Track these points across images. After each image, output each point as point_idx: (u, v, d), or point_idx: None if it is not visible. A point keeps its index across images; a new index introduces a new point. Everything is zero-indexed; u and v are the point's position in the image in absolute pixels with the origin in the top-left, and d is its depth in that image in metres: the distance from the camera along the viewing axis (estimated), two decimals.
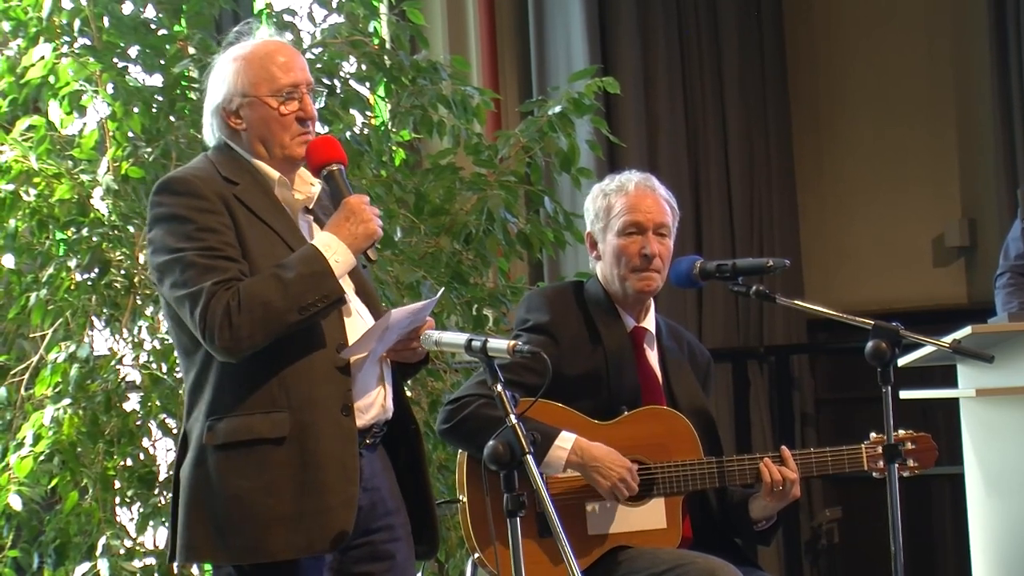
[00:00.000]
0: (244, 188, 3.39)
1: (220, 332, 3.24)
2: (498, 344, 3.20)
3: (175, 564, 3.45)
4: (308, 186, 3.48)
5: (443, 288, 3.48)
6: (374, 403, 3.42)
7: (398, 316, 3.34)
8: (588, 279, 4.13)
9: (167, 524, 4.59)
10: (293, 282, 3.27)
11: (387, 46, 5.24)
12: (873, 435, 3.92)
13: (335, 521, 3.30)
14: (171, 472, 4.63)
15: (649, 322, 4.07)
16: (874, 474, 3.93)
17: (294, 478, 3.29)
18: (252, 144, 3.43)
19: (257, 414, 3.30)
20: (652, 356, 4.06)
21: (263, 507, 3.28)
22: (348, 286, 3.43)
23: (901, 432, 4.01)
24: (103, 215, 4.69)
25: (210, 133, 3.49)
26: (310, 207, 3.49)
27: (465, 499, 3.84)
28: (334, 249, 3.33)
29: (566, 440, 3.82)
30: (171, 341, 3.53)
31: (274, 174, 3.43)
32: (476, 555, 3.84)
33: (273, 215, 3.40)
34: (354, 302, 3.44)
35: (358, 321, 3.42)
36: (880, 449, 3.87)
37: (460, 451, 3.94)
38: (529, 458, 3.10)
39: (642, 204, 4.00)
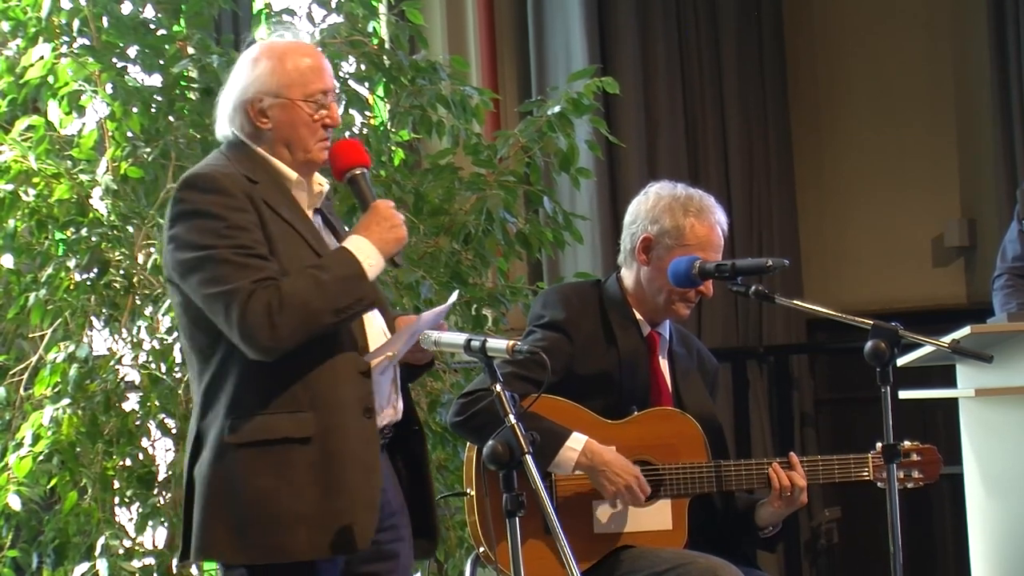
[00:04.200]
0: (264, 187, 3.36)
1: (261, 331, 3.21)
2: (497, 344, 3.20)
3: (189, 562, 3.42)
4: (318, 186, 3.48)
5: (457, 291, 3.52)
6: (388, 405, 3.43)
7: (427, 318, 3.36)
8: (607, 278, 4.13)
9: (166, 524, 4.61)
10: (330, 284, 3.26)
11: (386, 46, 5.24)
12: (880, 445, 3.84)
13: (357, 522, 3.30)
14: (170, 472, 4.65)
15: (663, 328, 4.08)
16: (879, 484, 3.90)
17: (317, 478, 3.28)
18: (275, 144, 3.41)
19: (281, 414, 3.28)
20: (663, 362, 4.07)
21: (285, 507, 3.26)
22: None
23: (907, 443, 4.00)
24: (102, 215, 4.68)
25: (227, 127, 3.45)
26: (318, 207, 3.49)
27: (472, 492, 3.84)
28: (366, 253, 3.33)
29: (577, 441, 3.82)
30: (181, 340, 3.46)
31: (292, 175, 3.41)
32: (481, 549, 3.85)
33: (293, 215, 3.38)
34: None
35: (373, 323, 3.43)
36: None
37: (469, 445, 3.94)
38: (528, 458, 3.10)
39: (713, 242, 3.98)
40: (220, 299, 3.24)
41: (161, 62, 4.82)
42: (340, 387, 3.32)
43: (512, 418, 3.12)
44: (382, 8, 5.65)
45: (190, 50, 4.83)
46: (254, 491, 3.27)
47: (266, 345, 3.23)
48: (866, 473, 3.98)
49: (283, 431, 3.28)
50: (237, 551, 3.29)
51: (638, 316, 4.03)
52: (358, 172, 3.44)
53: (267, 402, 3.29)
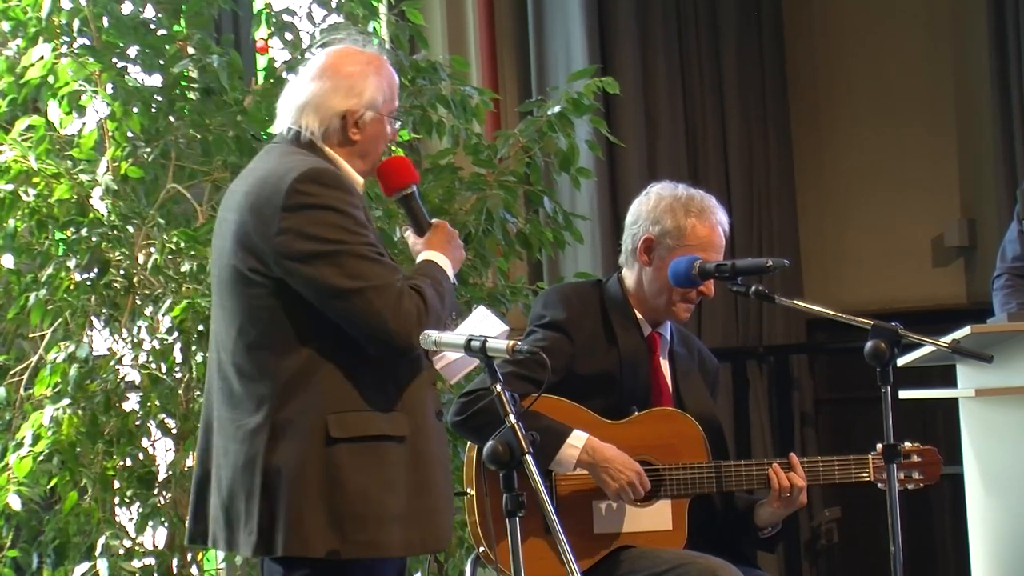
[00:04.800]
0: None
1: (413, 330, 3.26)
2: (497, 344, 3.20)
3: (276, 555, 3.30)
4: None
5: (481, 305, 3.62)
6: None
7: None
8: (608, 279, 4.12)
9: (166, 524, 4.61)
10: (445, 295, 3.37)
11: (386, 46, 5.24)
12: (880, 446, 3.82)
13: (442, 521, 3.38)
14: (170, 472, 4.64)
15: (664, 329, 4.08)
16: (879, 485, 3.90)
17: (410, 477, 3.33)
18: (353, 154, 3.42)
19: (378, 412, 3.32)
20: (664, 362, 4.07)
21: (384, 503, 3.29)
22: None
23: (907, 444, 4.00)
24: (102, 215, 4.68)
25: (299, 123, 3.41)
26: None
27: (472, 492, 3.85)
28: (447, 269, 3.44)
29: (578, 439, 3.83)
30: (243, 332, 3.34)
31: (360, 180, 3.44)
32: (481, 548, 3.85)
33: (370, 219, 3.41)
34: None
35: None
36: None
37: (469, 445, 3.94)
38: (528, 458, 3.11)
39: (715, 242, 3.98)
40: (364, 293, 3.25)
41: (161, 62, 4.82)
42: (422, 390, 3.39)
43: (512, 418, 3.13)
44: (382, 8, 5.65)
45: (190, 50, 4.83)
46: (356, 486, 3.28)
47: (412, 344, 3.29)
48: (866, 474, 3.98)
49: (382, 429, 3.32)
50: (333, 545, 3.27)
51: (639, 316, 4.04)
52: (409, 191, 3.51)
53: (366, 399, 3.31)
